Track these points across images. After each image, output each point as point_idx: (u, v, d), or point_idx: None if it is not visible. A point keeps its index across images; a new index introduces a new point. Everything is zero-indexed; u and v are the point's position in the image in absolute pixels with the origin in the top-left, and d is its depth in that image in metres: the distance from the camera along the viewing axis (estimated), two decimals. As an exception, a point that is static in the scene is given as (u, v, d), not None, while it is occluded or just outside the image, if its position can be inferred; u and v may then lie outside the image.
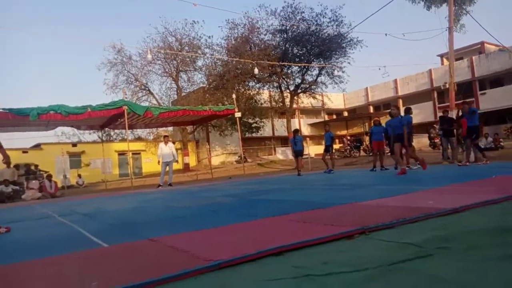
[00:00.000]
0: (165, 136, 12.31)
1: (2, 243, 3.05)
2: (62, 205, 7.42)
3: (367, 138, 21.30)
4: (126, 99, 13.03)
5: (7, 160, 3.37)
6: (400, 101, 33.48)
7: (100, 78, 47.96)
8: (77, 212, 5.40)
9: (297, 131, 12.03)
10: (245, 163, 20.87)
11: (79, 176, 21.58)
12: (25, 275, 1.83)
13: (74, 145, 26.40)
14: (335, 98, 31.68)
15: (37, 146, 23.99)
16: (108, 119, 13.16)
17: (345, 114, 38.90)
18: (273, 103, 24.06)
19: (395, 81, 33.68)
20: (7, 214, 6.51)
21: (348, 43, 20.91)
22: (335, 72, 20.85)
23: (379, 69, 30.46)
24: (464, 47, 29.60)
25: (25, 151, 22.90)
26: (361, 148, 22.57)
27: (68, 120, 11.53)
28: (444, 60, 31.15)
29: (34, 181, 13.44)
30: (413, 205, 3.00)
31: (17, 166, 14.35)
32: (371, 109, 36.15)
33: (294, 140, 11.60)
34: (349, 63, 21.33)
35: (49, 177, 13.56)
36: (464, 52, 29.95)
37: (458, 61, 26.50)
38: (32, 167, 15.57)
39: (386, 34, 16.80)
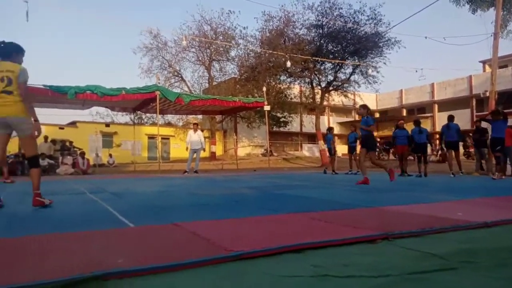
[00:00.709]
0: (194, 124, 12.53)
1: (38, 215, 3.22)
2: (93, 183, 7.74)
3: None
4: (159, 84, 13.32)
5: (39, 133, 3.60)
6: (436, 106, 32.33)
7: (136, 62, 49.28)
8: (107, 190, 5.62)
9: (330, 129, 11.93)
10: (271, 156, 20.90)
11: (110, 155, 22.35)
12: (54, 247, 1.94)
13: (107, 125, 27.34)
14: (367, 98, 30.96)
15: (73, 124, 25.04)
16: (141, 102, 13.52)
17: (376, 115, 38.01)
18: (303, 99, 23.83)
19: (432, 85, 32.52)
20: (44, 186, 6.85)
21: (386, 42, 20.31)
22: (370, 72, 20.34)
23: (416, 71, 29.48)
24: (509, 54, 28.11)
25: (61, 127, 23.96)
26: (391, 151, 22.02)
27: (103, 101, 11.94)
28: (486, 66, 29.74)
29: (68, 157, 14.04)
30: (441, 215, 2.91)
31: (53, 141, 15.04)
32: (404, 112, 35.14)
33: (327, 138, 11.52)
34: (384, 63, 20.72)
35: (82, 154, 14.14)
36: (509, 60, 28.44)
37: (501, 69, 25.19)
38: (67, 143, 16.26)
39: (426, 37, 16.19)
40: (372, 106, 37.03)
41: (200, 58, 24.22)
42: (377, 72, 20.79)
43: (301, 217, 2.90)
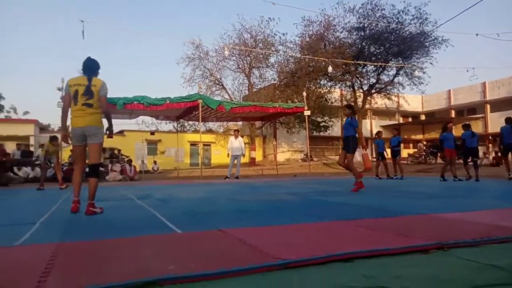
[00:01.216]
0: (235, 130, 12.71)
1: (89, 221, 3.40)
2: (140, 189, 8.06)
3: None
4: (201, 93, 13.66)
5: (111, 136, 4.01)
6: (488, 106, 30.37)
7: (178, 72, 51.12)
8: (153, 196, 5.83)
9: (379, 133, 11.58)
10: (311, 161, 20.64)
11: (155, 162, 23.21)
12: (109, 252, 2.03)
13: (152, 133, 28.44)
14: (412, 100, 29.76)
15: (121, 132, 26.34)
16: (184, 111, 13.93)
17: (422, 117, 36.37)
18: (344, 103, 23.37)
19: (484, 84, 30.60)
20: (97, 192, 7.25)
21: (432, 42, 19.45)
22: (415, 73, 19.54)
23: (467, 71, 27.89)
24: None
25: (109, 136, 25.20)
26: (439, 154, 20.94)
27: (149, 110, 12.43)
28: (546, 62, 27.47)
29: (117, 164, 14.76)
30: (500, 223, 2.72)
31: (103, 149, 15.88)
32: (453, 114, 33.36)
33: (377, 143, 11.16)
34: (431, 63, 19.84)
35: (130, 161, 14.81)
36: None
37: None
38: (116, 151, 17.10)
39: (477, 35, 15.31)
40: (418, 108, 35.60)
41: (240, 66, 24.60)
42: (423, 72, 19.96)
43: (347, 225, 2.83)
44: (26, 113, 42.92)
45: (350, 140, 6.39)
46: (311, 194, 5.86)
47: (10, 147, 15.30)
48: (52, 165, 10.22)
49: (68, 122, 3.96)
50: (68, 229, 2.88)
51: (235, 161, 12.20)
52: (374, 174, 11.13)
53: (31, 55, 66.89)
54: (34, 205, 5.02)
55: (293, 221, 3.04)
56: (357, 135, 6.42)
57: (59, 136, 8.89)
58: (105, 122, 3.98)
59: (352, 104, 7.37)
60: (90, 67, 3.83)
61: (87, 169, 4.20)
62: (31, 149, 17.43)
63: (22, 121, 27.80)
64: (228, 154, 12.19)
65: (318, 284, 1.47)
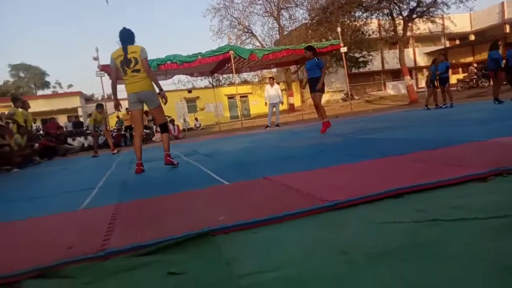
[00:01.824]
0: (270, 78, 12.47)
1: (142, 181, 3.59)
2: (185, 146, 8.34)
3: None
4: (231, 44, 13.38)
5: (166, 101, 4.21)
6: (549, 16, 27.00)
7: (206, 26, 50.16)
8: (198, 152, 6.01)
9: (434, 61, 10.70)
10: (352, 100, 20.01)
11: (196, 119, 23.74)
12: (164, 208, 2.14)
13: (189, 91, 28.78)
14: (459, 20, 27.06)
15: (158, 94, 26.88)
16: (217, 64, 13.82)
17: (472, 38, 33.25)
18: (383, 33, 21.79)
19: (545, -11, 26.96)
20: (143, 153, 7.64)
21: None
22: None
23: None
24: None
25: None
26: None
27: (183, 68, 12.49)
28: None
29: (160, 125, 15.28)
30: None
31: (146, 112, 16.42)
32: (507, 29, 30.07)
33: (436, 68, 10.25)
34: (479, -27, 17.60)
35: (172, 121, 15.26)
36: None
37: None
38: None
39: None
40: (466, 27, 32.51)
41: (268, 9, 23.56)
42: (471, -14, 17.84)
43: (395, 161, 2.73)
44: (70, 86, 45.10)
45: (317, 81, 6.67)
46: (355, 133, 5.72)
47: (62, 120, 16.30)
48: (102, 132, 10.75)
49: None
50: (124, 190, 3.06)
51: (274, 109, 12.12)
52: (424, 104, 10.58)
53: (67, 30, 68.57)
54: (91, 172, 5.38)
55: (338, 163, 3.00)
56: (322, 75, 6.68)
57: (105, 104, 9.31)
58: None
59: (312, 45, 7.37)
60: (126, 37, 3.98)
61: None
62: (81, 119, 18.43)
63: (68, 94, 29.24)
64: (266, 103, 12.11)
65: (368, 222, 1.46)
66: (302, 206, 1.72)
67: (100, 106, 9.17)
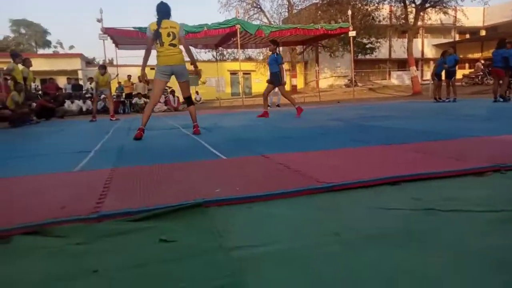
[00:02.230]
0: (275, 56, 12.27)
1: (140, 149, 3.58)
2: (184, 119, 8.28)
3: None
4: (238, 18, 13.10)
5: (200, 76, 4.77)
6: None
7: (214, -3, 48.86)
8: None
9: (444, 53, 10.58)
10: (355, 87, 19.85)
11: (197, 93, 23.46)
12: (161, 176, 2.13)
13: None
14: (472, 13, 26.55)
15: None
16: (222, 38, 13.58)
17: (483, 33, 32.72)
18: (394, 21, 21.37)
19: (562, -12, 26.37)
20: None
21: None
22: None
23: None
24: None
25: (152, 67, 25.59)
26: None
27: (187, 39, 12.17)
28: None
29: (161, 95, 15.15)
30: None
31: (147, 81, 16.24)
32: (520, 27, 29.54)
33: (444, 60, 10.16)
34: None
35: (173, 92, 15.09)
36: None
37: None
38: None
39: None
40: (478, 22, 31.95)
41: (278, -15, 22.95)
42: (487, -21, 17.39)
43: (394, 149, 2.73)
44: (71, 47, 44.34)
45: (278, 75, 7.20)
46: (356, 119, 5.69)
47: (61, 82, 16.09)
48: (103, 96, 10.55)
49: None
50: (121, 156, 3.05)
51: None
52: (431, 97, 10.52)
53: (69, -12, 66.78)
54: (88, 135, 5.36)
55: (337, 146, 2.99)
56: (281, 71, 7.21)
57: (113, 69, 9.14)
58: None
59: (276, 39, 7.92)
60: (165, 11, 4.13)
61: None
62: (80, 83, 18.21)
63: (68, 55, 28.77)
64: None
65: (364, 206, 1.45)
66: (298, 185, 1.71)
67: (103, 67, 8.96)
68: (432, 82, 10.67)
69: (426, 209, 1.36)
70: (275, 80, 7.27)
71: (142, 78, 4.46)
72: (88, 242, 1.20)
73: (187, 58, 4.54)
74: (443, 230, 1.17)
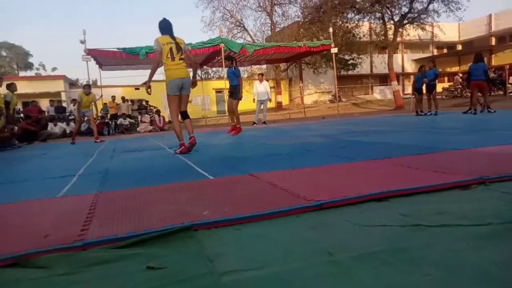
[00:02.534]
0: (260, 74, 12.42)
1: (124, 171, 3.52)
2: (170, 138, 8.23)
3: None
4: (222, 37, 13.26)
5: (194, 86, 4.60)
6: (535, 31, 27.81)
7: (198, 17, 49.56)
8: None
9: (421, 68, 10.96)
10: (339, 102, 20.17)
11: (182, 112, 23.46)
12: (146, 199, 2.09)
13: (177, 82, 28.44)
14: (448, 29, 27.57)
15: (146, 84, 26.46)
16: (207, 57, 13.69)
17: (459, 47, 33.95)
18: (374, 37, 21.99)
19: (531, 5, 27.66)
20: (127, 143, 7.52)
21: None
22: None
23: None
24: None
25: (137, 88, 25.51)
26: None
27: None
28: None
29: (146, 115, 15.08)
30: (547, 156, 2.55)
31: (132, 101, 16.18)
32: (493, 41, 30.84)
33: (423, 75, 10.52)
34: (470, -15, 17.87)
35: (158, 112, 15.05)
36: None
37: None
38: (144, 103, 17.37)
39: None
40: (454, 37, 33.17)
41: (261, 4, 23.51)
42: (461, -4, 18.14)
43: (381, 164, 2.75)
44: (54, 69, 44.03)
45: (237, 89, 7.75)
46: (341, 135, 5.76)
47: (44, 104, 15.85)
48: (86, 119, 10.35)
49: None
50: (106, 180, 2.99)
51: (261, 106, 12.09)
52: (413, 110, 10.76)
53: (53, 10, 66.73)
54: (72, 159, 5.25)
55: (323, 163, 3.00)
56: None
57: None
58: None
59: (232, 55, 8.60)
60: (169, 27, 4.38)
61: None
62: (64, 104, 17.99)
63: (51, 77, 28.45)
64: (254, 100, 12.07)
65: (353, 223, 1.45)
66: (287, 204, 1.70)
67: (88, 87, 8.80)
68: (413, 96, 10.93)
69: (415, 225, 1.37)
70: (234, 93, 7.77)
71: (147, 88, 4.53)
72: (73, 272, 1.16)
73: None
74: (433, 246, 1.17)
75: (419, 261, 1.07)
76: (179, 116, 4.58)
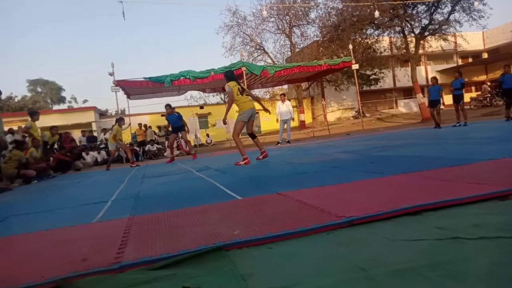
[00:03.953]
0: (282, 95, 12.52)
1: (155, 195, 3.60)
2: (197, 161, 8.37)
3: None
4: (243, 61, 13.54)
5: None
6: None
7: (219, 42, 51.01)
8: (211, 167, 6.02)
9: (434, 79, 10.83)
10: (363, 118, 19.92)
11: (207, 135, 23.89)
12: (178, 222, 2.13)
13: (201, 107, 29.13)
14: (472, 38, 27.01)
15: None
16: (229, 81, 13.98)
17: (485, 56, 33.05)
18: (395, 51, 21.82)
19: (558, 7, 26.76)
20: (156, 168, 7.70)
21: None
22: (475, 5, 17.47)
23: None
24: None
25: (163, 114, 26.28)
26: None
27: (195, 84, 12.67)
28: None
29: (172, 141, 15.41)
30: None
31: (159, 128, 16.62)
32: (521, 47, 29.82)
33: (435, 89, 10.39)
34: (493, -9, 17.51)
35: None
36: None
37: None
38: (170, 128, 17.79)
39: None
40: (479, 46, 32.39)
41: (280, 27, 23.92)
42: (484, 4, 17.80)
43: (411, 178, 2.69)
44: (85, 101, 46.08)
45: (182, 129, 9.72)
46: (368, 150, 5.67)
47: (76, 135, 16.55)
48: (119, 148, 10.68)
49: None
50: (138, 204, 3.07)
51: (285, 126, 12.13)
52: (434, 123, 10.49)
53: (80, 46, 70.70)
54: (104, 186, 5.42)
55: (352, 179, 2.96)
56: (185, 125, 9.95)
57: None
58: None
59: (169, 103, 9.78)
60: (233, 75, 6.01)
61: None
62: (95, 134, 18.71)
63: (82, 109, 29.82)
64: (277, 120, 12.13)
65: (386, 238, 1.42)
66: (318, 221, 1.69)
67: (121, 120, 9.27)
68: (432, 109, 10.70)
69: (452, 238, 1.32)
70: (181, 129, 9.63)
71: (224, 121, 5.77)
72: (111, 294, 1.19)
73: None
74: (474, 260, 1.13)
75: (461, 276, 1.03)
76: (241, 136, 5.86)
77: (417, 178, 2.64)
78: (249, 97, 5.75)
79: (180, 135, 10.60)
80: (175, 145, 14.89)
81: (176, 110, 9.75)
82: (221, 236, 1.65)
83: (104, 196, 3.76)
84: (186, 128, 9.83)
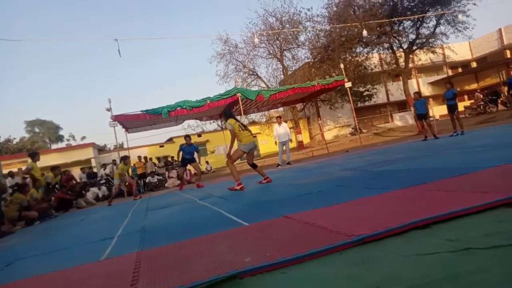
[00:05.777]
0: (278, 117, 12.64)
1: (161, 227, 3.58)
2: (199, 190, 8.34)
3: (505, 89, 18.25)
4: (238, 87, 13.74)
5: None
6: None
7: (213, 71, 51.92)
8: (213, 195, 6.00)
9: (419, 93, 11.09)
10: (360, 134, 20.03)
11: (207, 163, 23.87)
12: (187, 253, 2.11)
13: (199, 135, 29.27)
14: (459, 49, 27.66)
15: (170, 140, 27.38)
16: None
17: (474, 65, 33.67)
18: (385, 66, 22.24)
19: (539, 13, 27.52)
20: (158, 200, 7.65)
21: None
22: (458, 18, 17.98)
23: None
24: None
25: (161, 145, 26.46)
26: (499, 101, 19.35)
27: (192, 113, 12.79)
28: None
29: (173, 171, 15.39)
30: None
31: (158, 159, 16.63)
32: (508, 54, 30.47)
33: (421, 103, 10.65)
34: (474, 4, 18.08)
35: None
36: None
37: None
38: (169, 159, 17.81)
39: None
40: (467, 55, 33.05)
41: (271, 52, 24.40)
42: (467, 16, 18.31)
43: (415, 191, 2.69)
44: (83, 138, 46.28)
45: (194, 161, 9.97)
46: (369, 166, 5.68)
47: (76, 172, 16.51)
48: (118, 183, 10.65)
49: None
50: (144, 238, 3.04)
51: (284, 147, 12.17)
52: (431, 135, 10.59)
53: (76, 84, 71.72)
54: (108, 221, 5.38)
55: (356, 196, 2.96)
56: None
57: (118, 154, 9.45)
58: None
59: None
60: (232, 113, 6.23)
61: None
62: (94, 170, 18.68)
63: (81, 146, 29.85)
64: (275, 142, 12.19)
65: (399, 254, 1.42)
66: (328, 242, 1.69)
67: (126, 158, 9.38)
68: (423, 121, 10.85)
69: (465, 249, 1.33)
70: (192, 161, 9.87)
71: (229, 156, 6.17)
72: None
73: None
74: (490, 270, 1.13)
75: (480, 286, 1.03)
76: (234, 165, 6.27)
77: (421, 191, 2.65)
78: (249, 132, 6.09)
79: (188, 167, 10.76)
80: (174, 174, 14.89)
81: (174, 139, 10.14)
82: (233, 264, 1.64)
83: (109, 232, 3.73)
84: (198, 160, 10.14)
